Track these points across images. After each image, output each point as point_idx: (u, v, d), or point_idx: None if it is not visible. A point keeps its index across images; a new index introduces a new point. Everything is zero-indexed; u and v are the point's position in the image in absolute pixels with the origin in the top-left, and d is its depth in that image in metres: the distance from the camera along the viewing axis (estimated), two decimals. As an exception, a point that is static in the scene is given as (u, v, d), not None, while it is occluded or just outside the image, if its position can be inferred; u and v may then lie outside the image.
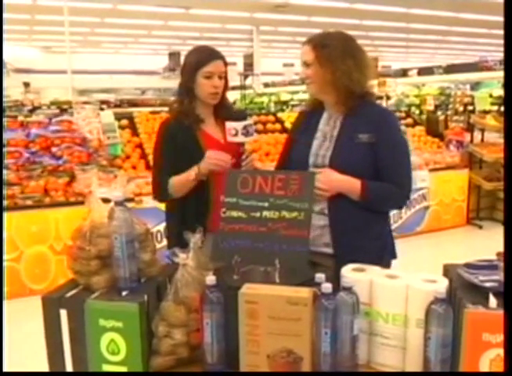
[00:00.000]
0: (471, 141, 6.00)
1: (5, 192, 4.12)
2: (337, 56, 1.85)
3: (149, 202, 3.94)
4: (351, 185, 1.82)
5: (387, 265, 1.92)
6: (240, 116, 1.95)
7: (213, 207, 1.98)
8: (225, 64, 2.13)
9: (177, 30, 17.05)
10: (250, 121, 1.95)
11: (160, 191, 2.14)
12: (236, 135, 1.90)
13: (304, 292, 1.25)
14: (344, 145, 1.87)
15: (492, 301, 1.24)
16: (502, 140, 6.51)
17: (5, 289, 3.96)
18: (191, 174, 1.99)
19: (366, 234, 1.88)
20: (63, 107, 9.87)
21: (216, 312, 1.30)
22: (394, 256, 1.99)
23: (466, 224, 5.97)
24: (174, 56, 21.01)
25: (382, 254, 1.92)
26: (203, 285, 1.34)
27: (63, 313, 1.39)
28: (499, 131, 6.28)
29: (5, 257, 3.97)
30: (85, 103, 10.66)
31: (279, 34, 18.06)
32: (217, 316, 1.30)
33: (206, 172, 1.97)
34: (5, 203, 4.07)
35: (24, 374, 1.35)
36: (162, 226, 3.96)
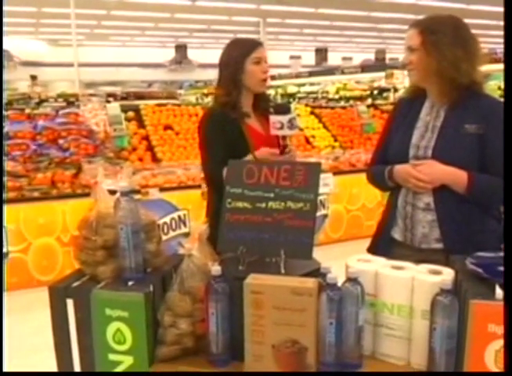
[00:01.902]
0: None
1: (5, 191, 4.13)
2: (445, 43, 1.73)
3: (156, 194, 3.96)
4: (456, 176, 1.74)
5: None
6: (284, 109, 1.93)
7: None
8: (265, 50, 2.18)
9: (183, 22, 17.01)
10: (294, 114, 1.92)
11: (214, 182, 2.11)
12: (281, 128, 1.88)
13: (310, 283, 1.25)
14: (448, 136, 1.77)
15: (499, 292, 1.24)
16: None
17: (5, 288, 3.97)
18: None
19: (479, 228, 1.78)
20: (70, 100, 9.88)
21: (221, 302, 1.31)
22: None
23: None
24: (180, 48, 21.01)
25: (501, 245, 1.83)
26: (209, 275, 1.35)
27: (70, 303, 1.40)
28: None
29: (4, 250, 3.99)
30: (92, 95, 10.68)
31: (286, 26, 17.99)
32: (222, 306, 1.31)
33: None
34: (4, 195, 4.08)
35: (24, 373, 1.36)
36: (169, 218, 3.98)
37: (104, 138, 4.83)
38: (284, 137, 1.94)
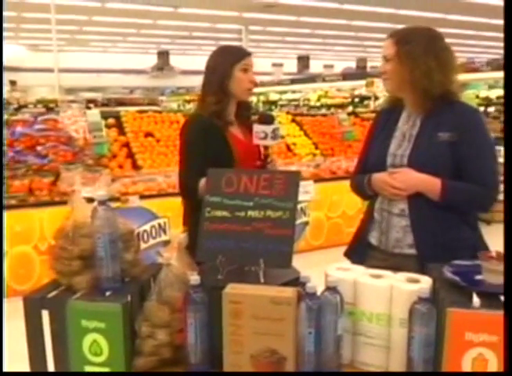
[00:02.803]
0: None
1: (5, 191, 4.07)
2: (418, 54, 1.75)
3: (136, 201, 3.92)
4: (430, 184, 1.76)
5: None
6: (268, 119, 1.93)
7: None
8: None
9: (166, 29, 16.99)
10: (277, 124, 1.92)
11: (187, 191, 2.10)
12: (264, 138, 1.88)
13: (288, 292, 1.24)
14: (423, 144, 1.80)
15: (476, 300, 1.25)
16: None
17: (5, 289, 3.91)
18: None
19: (453, 235, 1.79)
20: (50, 106, 9.78)
21: (200, 312, 1.29)
22: None
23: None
24: (162, 54, 20.96)
25: (474, 253, 1.81)
26: (187, 285, 1.33)
27: (45, 314, 1.37)
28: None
29: (4, 257, 3.91)
30: (71, 101, 10.58)
31: (269, 34, 18.09)
32: (200, 316, 1.29)
33: None
34: (4, 202, 4.01)
35: (24, 374, 1.33)
36: (149, 226, 3.95)
37: (83, 145, 4.78)
38: (266, 147, 1.94)
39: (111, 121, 5.48)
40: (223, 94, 2.10)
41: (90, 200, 1.45)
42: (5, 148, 4.44)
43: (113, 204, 3.70)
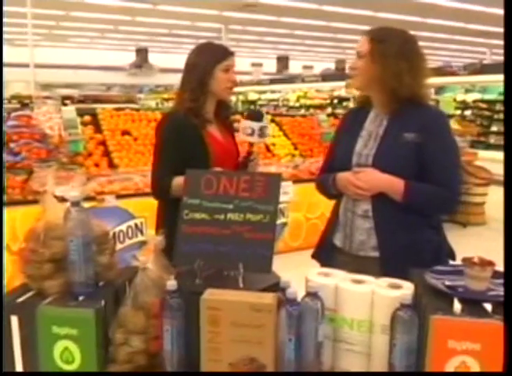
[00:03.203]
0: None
1: (4, 192, 3.93)
2: (391, 54, 1.76)
3: (112, 201, 3.85)
4: (393, 185, 1.75)
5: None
6: (257, 116, 1.88)
7: None
8: None
9: (144, 26, 16.80)
10: (266, 122, 1.88)
11: (160, 189, 2.06)
12: (251, 134, 1.84)
13: (268, 298, 1.21)
14: (388, 144, 1.80)
15: (457, 306, 1.24)
16: (464, 144, 6.65)
17: (5, 289, 3.77)
18: None
19: (416, 237, 1.80)
20: (25, 102, 9.57)
21: (176, 318, 1.25)
22: (453, 257, 1.90)
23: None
24: (141, 52, 20.74)
25: (438, 256, 1.83)
26: (164, 290, 1.29)
27: (14, 320, 1.31)
28: (463, 136, 6.41)
29: (4, 256, 3.79)
30: (47, 97, 10.36)
31: (248, 34, 18.04)
32: (177, 322, 1.25)
33: None
34: (5, 199, 3.88)
35: (24, 374, 1.27)
36: (125, 226, 3.87)
37: (58, 142, 4.67)
38: (252, 144, 1.90)
39: (87, 118, 5.37)
40: (201, 92, 2.05)
41: (63, 199, 1.39)
42: (4, 148, 4.31)
43: (89, 204, 3.62)
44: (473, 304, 1.21)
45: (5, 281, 3.72)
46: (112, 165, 4.81)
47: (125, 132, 5.34)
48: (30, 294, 1.36)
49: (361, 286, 1.33)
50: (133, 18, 15.44)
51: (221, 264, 1.38)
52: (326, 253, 1.99)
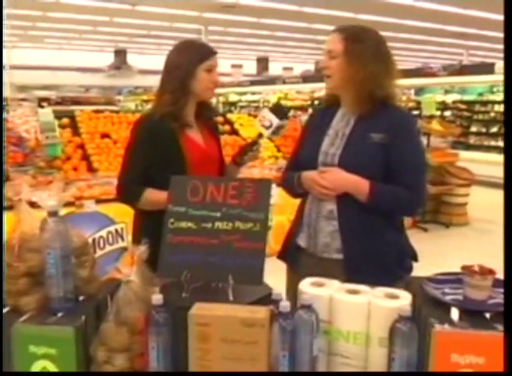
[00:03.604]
0: (418, 145, 6.09)
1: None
2: (368, 55, 1.73)
3: (91, 206, 3.73)
4: (358, 185, 1.72)
5: (407, 268, 1.83)
6: (281, 113, 1.80)
7: None
8: None
9: (123, 27, 16.60)
10: (286, 123, 1.81)
11: (125, 195, 1.97)
12: (267, 127, 1.77)
13: (261, 312, 1.14)
14: (354, 144, 1.77)
15: (454, 314, 1.18)
16: (445, 145, 6.69)
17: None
18: None
19: (379, 239, 1.78)
20: None
21: (163, 334, 1.18)
22: (415, 259, 1.88)
23: (412, 227, 6.08)
24: (120, 53, 20.51)
25: (402, 257, 1.83)
26: (149, 304, 1.22)
27: (-12, 338, 1.22)
28: (445, 137, 6.44)
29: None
30: (23, 99, 10.14)
31: (228, 35, 17.96)
32: (164, 339, 1.18)
33: None
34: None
35: (25, 374, 1.18)
36: (105, 231, 3.76)
37: (35, 146, 4.54)
38: (261, 135, 1.83)
39: (65, 120, 5.24)
40: (182, 93, 1.95)
41: (39, 206, 1.31)
42: (4, 148, 4.17)
43: (67, 210, 3.50)
44: (473, 313, 1.16)
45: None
46: (91, 169, 4.69)
47: (105, 135, 5.22)
48: (5, 311, 1.27)
49: (357, 296, 1.27)
50: (111, 19, 15.24)
51: (210, 276, 1.31)
52: (292, 254, 1.95)
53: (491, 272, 1.19)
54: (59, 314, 1.24)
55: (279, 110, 1.83)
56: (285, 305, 1.15)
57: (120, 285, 1.28)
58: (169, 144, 1.91)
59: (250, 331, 1.12)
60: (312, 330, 1.19)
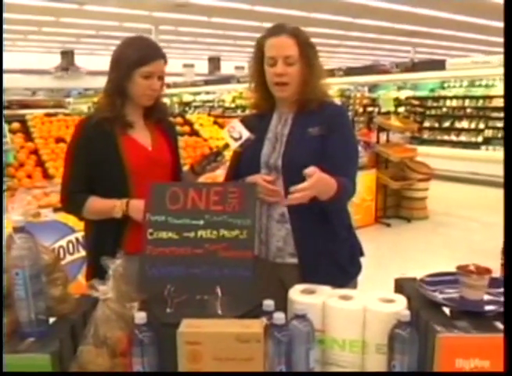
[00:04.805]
0: (377, 141, 6.17)
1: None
2: (316, 57, 1.76)
3: (49, 215, 3.54)
4: (332, 184, 1.56)
5: (358, 265, 1.83)
6: (252, 127, 1.69)
7: (131, 224, 1.71)
8: (166, 63, 1.87)
9: (70, 27, 16.08)
10: (253, 137, 1.71)
11: (68, 204, 1.85)
12: (235, 139, 1.67)
13: (255, 326, 1.07)
14: (294, 141, 1.73)
15: (453, 316, 1.15)
16: (403, 140, 6.79)
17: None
18: (116, 210, 1.71)
19: (331, 237, 1.74)
20: None
21: (148, 355, 1.10)
22: (362, 254, 1.87)
23: (375, 223, 6.14)
24: (67, 54, 19.88)
25: (353, 253, 1.82)
26: (129, 322, 1.13)
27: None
28: (403, 132, 6.53)
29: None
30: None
31: (179, 34, 17.72)
32: (149, 360, 1.09)
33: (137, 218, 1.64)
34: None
35: (25, 374, 1.06)
36: (65, 241, 3.59)
37: (-16, 153, 4.28)
38: (227, 146, 1.73)
39: (16, 125, 4.97)
40: (118, 96, 1.82)
41: None
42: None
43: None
44: (471, 313, 1.13)
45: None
46: (47, 176, 4.45)
47: (59, 139, 4.98)
48: (-31, 338, 1.15)
49: (350, 302, 1.22)
50: (57, 19, 14.74)
51: (195, 288, 1.22)
52: None
53: (487, 271, 1.16)
54: (31, 339, 1.13)
55: (250, 123, 1.74)
56: (279, 316, 1.08)
57: (97, 303, 1.18)
58: (106, 148, 1.78)
59: (245, 347, 1.04)
60: (308, 340, 1.13)
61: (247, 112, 2.29)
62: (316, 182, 1.43)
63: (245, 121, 1.73)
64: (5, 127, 4.59)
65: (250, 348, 1.05)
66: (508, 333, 1.01)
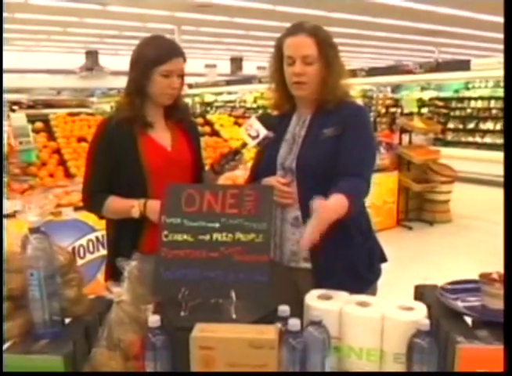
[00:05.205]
0: (400, 143, 6.08)
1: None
2: (337, 56, 1.72)
3: (70, 214, 3.58)
4: (341, 205, 1.46)
5: (376, 271, 1.76)
6: (270, 124, 1.68)
7: (149, 224, 1.70)
8: (185, 61, 1.86)
9: (94, 27, 16.27)
10: (272, 135, 1.70)
11: (90, 203, 1.86)
12: (252, 137, 1.65)
13: (270, 332, 1.05)
14: (310, 143, 1.70)
15: (475, 327, 1.11)
16: (426, 142, 6.68)
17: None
18: (134, 211, 1.71)
19: (346, 243, 1.69)
20: (-31, 109, 9.02)
21: (161, 359, 1.09)
22: (384, 260, 1.81)
23: (397, 225, 6.05)
24: (91, 54, 20.13)
25: (371, 259, 1.75)
26: (144, 325, 1.12)
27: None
28: (426, 134, 6.42)
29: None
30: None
31: (201, 35, 17.79)
32: (162, 364, 1.09)
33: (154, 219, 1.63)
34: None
35: (26, 374, 1.07)
36: (85, 240, 3.62)
37: (8, 152, 4.34)
38: (245, 144, 1.71)
39: (39, 124, 5.04)
40: (137, 95, 1.81)
41: (12, 215, 1.19)
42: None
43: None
44: (492, 323, 1.09)
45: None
46: (68, 175, 4.50)
47: (81, 139, 5.03)
48: (-17, 338, 1.15)
49: (368, 309, 1.19)
50: (81, 19, 14.92)
51: (210, 292, 1.20)
52: None
53: (511, 279, 1.12)
54: (45, 341, 1.13)
55: (267, 121, 1.71)
56: (294, 323, 1.06)
57: (111, 305, 1.18)
58: (126, 149, 1.78)
59: (259, 353, 1.03)
60: (324, 348, 1.10)
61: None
62: (322, 219, 1.38)
63: (263, 119, 1.71)
64: (29, 126, 4.64)
65: (263, 354, 1.03)
66: (508, 333, 0.98)
